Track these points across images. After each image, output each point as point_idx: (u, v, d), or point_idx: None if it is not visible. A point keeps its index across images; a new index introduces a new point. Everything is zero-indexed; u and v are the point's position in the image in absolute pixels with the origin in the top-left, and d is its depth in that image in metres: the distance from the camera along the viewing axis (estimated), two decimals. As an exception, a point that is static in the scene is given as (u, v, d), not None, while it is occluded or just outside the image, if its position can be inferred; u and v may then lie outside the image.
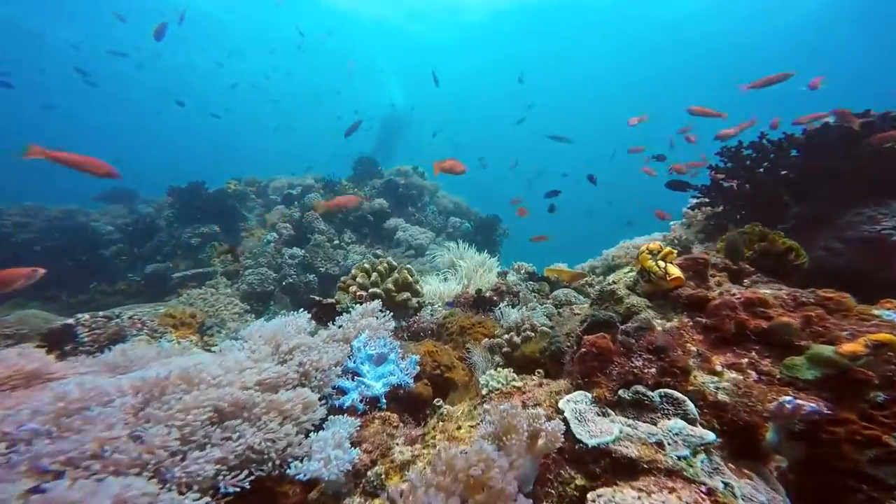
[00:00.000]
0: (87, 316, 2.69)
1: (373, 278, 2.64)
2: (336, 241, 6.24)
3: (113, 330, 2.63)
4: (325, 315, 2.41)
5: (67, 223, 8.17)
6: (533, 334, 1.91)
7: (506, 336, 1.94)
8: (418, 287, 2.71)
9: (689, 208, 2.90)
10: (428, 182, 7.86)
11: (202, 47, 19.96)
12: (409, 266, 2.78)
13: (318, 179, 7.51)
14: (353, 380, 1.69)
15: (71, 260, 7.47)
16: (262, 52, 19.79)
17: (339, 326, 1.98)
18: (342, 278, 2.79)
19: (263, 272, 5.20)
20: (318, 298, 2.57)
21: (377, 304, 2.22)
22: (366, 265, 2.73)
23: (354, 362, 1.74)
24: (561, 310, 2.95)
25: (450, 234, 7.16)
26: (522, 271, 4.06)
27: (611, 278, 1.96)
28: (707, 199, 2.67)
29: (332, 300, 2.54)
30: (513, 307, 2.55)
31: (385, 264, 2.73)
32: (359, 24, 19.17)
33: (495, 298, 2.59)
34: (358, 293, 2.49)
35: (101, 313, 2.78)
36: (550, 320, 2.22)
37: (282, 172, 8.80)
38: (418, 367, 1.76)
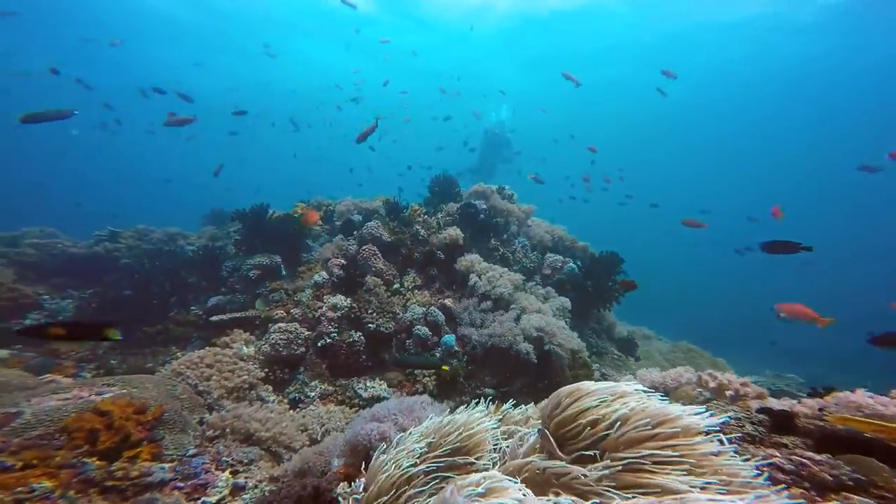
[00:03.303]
0: None
1: None
2: (396, 285, 4.66)
3: None
4: None
5: (164, 247, 8.21)
6: None
7: None
8: None
9: None
10: (517, 206, 5.87)
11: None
12: None
13: (386, 203, 6.12)
14: None
15: (157, 286, 7.26)
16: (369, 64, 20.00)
17: None
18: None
19: (293, 329, 3.81)
20: None
21: None
22: None
23: None
24: None
25: (546, 276, 5.05)
26: (730, 392, 1.89)
27: None
28: None
29: None
30: None
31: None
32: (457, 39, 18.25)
33: None
34: None
35: None
36: None
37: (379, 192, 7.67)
38: None
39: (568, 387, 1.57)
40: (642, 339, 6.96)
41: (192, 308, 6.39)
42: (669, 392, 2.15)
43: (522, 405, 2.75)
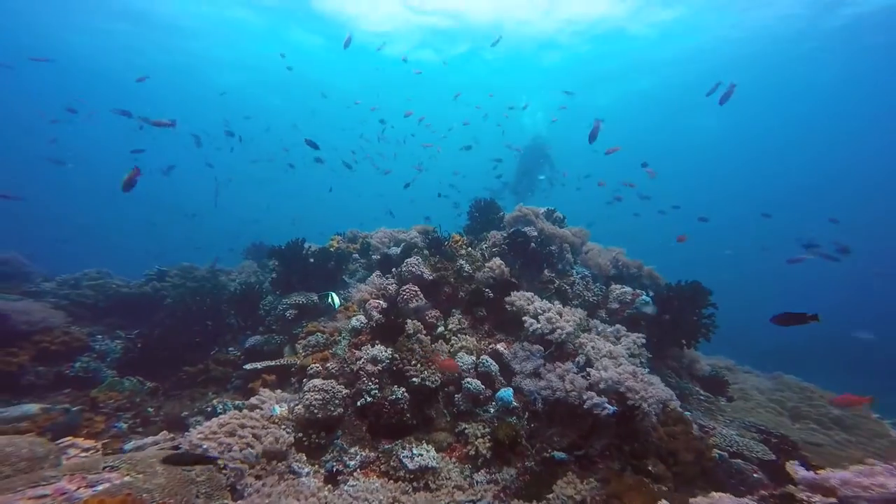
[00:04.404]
0: None
1: None
2: (440, 328, 4.09)
3: None
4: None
5: (207, 284, 8.21)
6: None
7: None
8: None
9: None
10: (569, 230, 5.18)
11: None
12: None
13: (423, 232, 5.65)
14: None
15: (198, 324, 7.16)
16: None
17: None
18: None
19: (330, 388, 3.32)
20: None
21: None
22: None
23: None
24: None
25: (614, 311, 4.29)
26: None
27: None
28: None
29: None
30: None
31: None
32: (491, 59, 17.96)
33: None
34: None
35: None
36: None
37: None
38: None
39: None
40: (726, 373, 5.88)
41: (230, 349, 6.18)
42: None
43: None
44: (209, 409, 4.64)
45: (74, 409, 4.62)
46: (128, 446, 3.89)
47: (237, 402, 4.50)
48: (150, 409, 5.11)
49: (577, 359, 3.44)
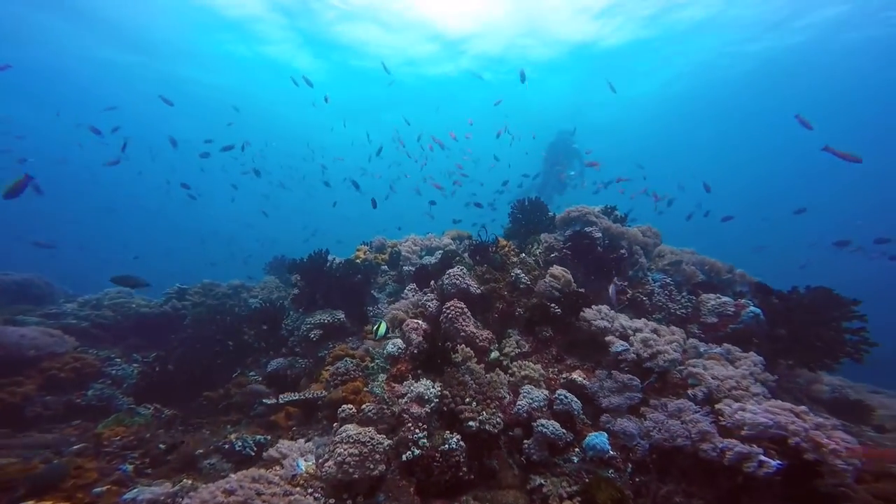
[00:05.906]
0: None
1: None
2: (493, 354, 3.23)
3: None
4: None
5: (229, 302, 7.62)
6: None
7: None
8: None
9: None
10: (637, 229, 4.25)
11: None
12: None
13: (457, 238, 4.82)
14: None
15: (218, 345, 6.49)
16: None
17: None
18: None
19: (367, 439, 2.50)
20: None
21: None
22: None
23: None
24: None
25: (710, 326, 3.34)
26: None
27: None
28: None
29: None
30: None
31: None
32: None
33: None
34: None
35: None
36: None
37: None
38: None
39: None
40: (850, 393, 4.65)
41: (252, 374, 5.46)
42: None
43: None
44: (226, 445, 3.90)
45: (75, 446, 3.95)
46: (126, 496, 3.15)
47: (258, 438, 3.77)
48: (161, 446, 4.35)
49: (691, 392, 2.52)
